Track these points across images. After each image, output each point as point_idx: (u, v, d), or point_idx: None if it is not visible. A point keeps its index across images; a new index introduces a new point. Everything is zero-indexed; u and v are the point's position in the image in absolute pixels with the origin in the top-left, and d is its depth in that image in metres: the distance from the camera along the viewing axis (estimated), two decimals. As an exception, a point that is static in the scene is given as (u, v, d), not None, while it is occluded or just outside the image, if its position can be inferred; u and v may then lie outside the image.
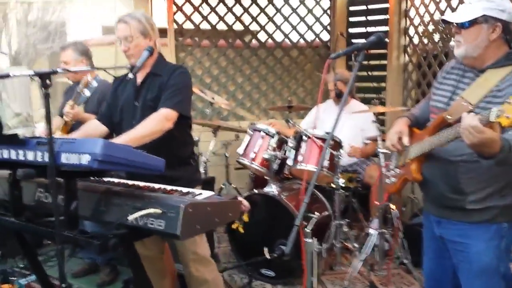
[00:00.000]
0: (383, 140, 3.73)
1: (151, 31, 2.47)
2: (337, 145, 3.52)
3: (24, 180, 2.03)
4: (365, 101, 4.37)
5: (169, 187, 2.08)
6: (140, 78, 2.52)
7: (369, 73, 5.21)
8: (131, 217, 1.77)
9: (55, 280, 3.21)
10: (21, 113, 1.74)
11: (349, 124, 3.98)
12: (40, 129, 3.70)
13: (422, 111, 2.18)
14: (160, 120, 2.34)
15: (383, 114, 4.73)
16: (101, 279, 3.53)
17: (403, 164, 2.12)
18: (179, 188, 2.05)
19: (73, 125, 3.31)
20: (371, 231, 3.37)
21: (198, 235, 2.60)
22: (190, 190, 2.03)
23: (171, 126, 2.37)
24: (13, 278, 3.36)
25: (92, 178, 2.18)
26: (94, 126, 2.65)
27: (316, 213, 3.32)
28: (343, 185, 3.57)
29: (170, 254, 2.91)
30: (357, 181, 3.95)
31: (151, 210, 1.75)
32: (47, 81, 1.75)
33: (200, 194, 1.98)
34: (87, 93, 3.22)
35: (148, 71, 2.50)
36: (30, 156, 1.86)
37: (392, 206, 3.49)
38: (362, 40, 5.14)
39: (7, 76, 1.65)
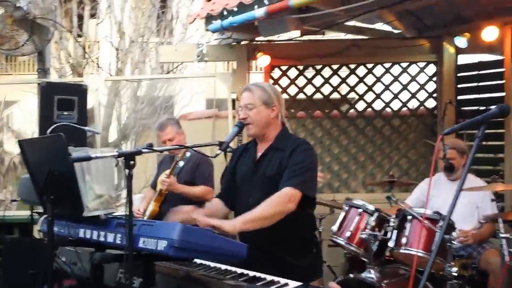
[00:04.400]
0: (505, 222, 3.24)
1: (276, 102, 2.34)
2: (449, 227, 3.10)
3: (106, 261, 1.99)
4: (480, 173, 3.91)
5: (252, 274, 1.89)
6: (260, 151, 2.39)
7: (484, 142, 4.71)
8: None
9: None
10: (103, 194, 1.73)
11: (463, 201, 3.51)
12: (137, 200, 3.78)
13: None
14: (282, 202, 2.17)
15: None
16: None
17: None
18: (263, 276, 1.86)
19: (166, 195, 3.34)
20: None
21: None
22: (276, 279, 1.81)
23: (293, 208, 2.17)
24: None
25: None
26: (215, 209, 2.50)
27: None
28: (456, 274, 3.09)
29: None
30: (473, 268, 3.42)
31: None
32: (131, 162, 1.72)
33: (287, 285, 1.76)
34: (180, 163, 3.27)
35: (270, 144, 2.36)
36: (110, 238, 1.83)
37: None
38: (473, 108, 4.84)
39: (89, 158, 1.63)
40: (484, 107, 4.62)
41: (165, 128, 3.47)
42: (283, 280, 1.80)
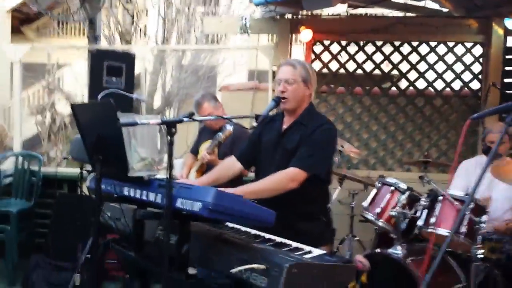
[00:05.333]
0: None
1: (313, 81, 2.46)
2: (480, 209, 3.11)
3: (147, 218, 2.16)
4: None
5: (279, 240, 2.02)
6: (286, 124, 2.51)
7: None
8: (234, 270, 1.75)
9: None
10: (147, 157, 1.89)
11: (503, 187, 3.49)
12: (178, 165, 3.95)
13: None
14: (284, 180, 2.31)
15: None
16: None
17: None
18: (289, 242, 1.99)
19: (207, 166, 3.48)
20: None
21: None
22: (300, 246, 1.94)
23: (295, 187, 2.31)
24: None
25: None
26: (228, 166, 2.66)
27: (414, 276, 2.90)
28: (482, 256, 3.11)
29: None
30: (501, 252, 3.42)
31: (255, 266, 1.72)
32: (172, 129, 1.85)
33: (310, 252, 1.88)
34: (221, 136, 3.34)
35: (295, 119, 2.47)
36: (151, 197, 1.99)
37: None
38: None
39: (135, 124, 1.78)
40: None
41: (201, 106, 3.54)
42: (307, 248, 1.93)
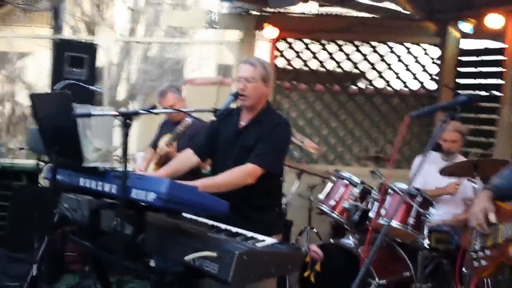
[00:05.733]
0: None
1: (271, 80, 2.55)
2: (427, 202, 3.29)
3: (103, 208, 2.19)
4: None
5: (235, 230, 2.10)
6: (244, 121, 2.57)
7: (478, 127, 4.86)
8: (187, 258, 1.81)
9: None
10: (101, 148, 1.92)
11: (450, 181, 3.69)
12: (139, 158, 3.98)
13: (507, 180, 1.96)
14: (242, 176, 2.39)
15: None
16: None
17: (494, 245, 1.91)
18: (244, 232, 2.07)
19: (166, 159, 3.51)
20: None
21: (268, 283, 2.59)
22: (255, 235, 2.02)
23: (251, 182, 2.40)
24: (96, 292, 3.61)
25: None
26: (185, 158, 2.70)
27: (378, 279, 3.06)
28: (427, 246, 3.29)
29: None
30: (450, 243, 3.61)
31: (207, 253, 1.78)
32: (128, 121, 1.90)
33: (263, 241, 1.97)
34: (180, 130, 3.38)
35: (253, 116, 2.54)
36: (106, 187, 2.03)
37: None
38: (472, 92, 4.93)
39: (90, 115, 1.82)
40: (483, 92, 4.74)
41: (165, 95, 3.59)
42: (260, 237, 2.01)
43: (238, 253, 1.70)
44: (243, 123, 2.57)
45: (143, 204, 1.91)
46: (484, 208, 1.94)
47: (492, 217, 1.90)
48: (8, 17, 12.36)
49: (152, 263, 2.01)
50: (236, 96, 2.50)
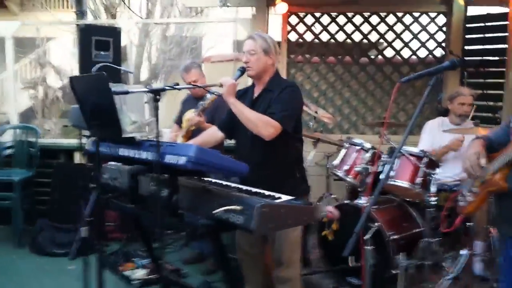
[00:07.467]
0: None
1: (274, 51, 2.76)
2: (433, 163, 3.53)
3: (140, 175, 2.51)
4: (482, 120, 4.25)
5: (254, 190, 2.39)
6: (256, 92, 2.83)
7: (485, 91, 5.01)
8: (216, 211, 2.12)
9: (168, 264, 3.77)
10: (137, 121, 2.19)
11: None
12: (166, 133, 4.29)
13: (498, 136, 2.18)
14: (266, 122, 2.60)
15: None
16: (207, 268, 3.99)
17: (483, 182, 2.13)
18: (262, 191, 2.35)
19: (193, 132, 3.79)
20: (461, 251, 3.33)
21: (290, 241, 2.87)
22: (272, 194, 2.31)
23: (270, 135, 2.60)
24: (134, 259, 3.99)
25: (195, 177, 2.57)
26: (211, 133, 3.00)
27: (377, 223, 3.29)
28: (435, 203, 3.54)
29: (271, 255, 3.20)
30: (456, 201, 3.85)
31: (232, 207, 2.08)
32: (157, 96, 2.20)
33: (279, 198, 2.26)
34: (206, 103, 3.54)
35: (264, 87, 2.79)
36: (143, 155, 2.34)
37: (492, 230, 3.39)
38: (478, 58, 5.06)
39: (127, 92, 2.12)
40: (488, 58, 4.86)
41: (189, 70, 3.89)
42: (277, 195, 2.30)
43: (259, 205, 1.99)
44: (256, 94, 2.83)
45: (175, 168, 2.21)
46: (477, 152, 2.08)
47: (483, 161, 2.06)
48: (28, 2, 12.71)
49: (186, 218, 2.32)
50: (242, 70, 2.75)
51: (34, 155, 4.83)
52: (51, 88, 8.84)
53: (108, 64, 3.50)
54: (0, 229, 4.69)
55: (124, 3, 9.32)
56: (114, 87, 2.25)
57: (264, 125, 2.60)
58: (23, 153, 4.87)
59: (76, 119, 3.57)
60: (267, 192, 2.32)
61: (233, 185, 2.51)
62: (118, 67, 3.81)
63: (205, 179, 2.68)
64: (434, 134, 4.14)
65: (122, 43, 4.90)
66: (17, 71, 10.40)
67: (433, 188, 3.51)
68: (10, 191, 4.52)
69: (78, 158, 4.91)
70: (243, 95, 2.90)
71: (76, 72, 4.83)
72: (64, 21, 9.17)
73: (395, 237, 3.41)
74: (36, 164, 4.83)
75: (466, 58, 5.06)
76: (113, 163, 2.65)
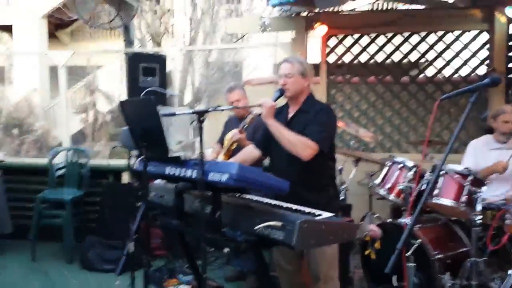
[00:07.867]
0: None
1: (309, 74, 2.88)
2: (478, 181, 3.46)
3: (185, 192, 2.61)
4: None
5: (295, 207, 2.44)
6: (291, 112, 2.93)
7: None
8: (257, 227, 2.17)
9: (211, 281, 3.84)
10: (182, 141, 2.31)
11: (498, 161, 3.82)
12: (208, 153, 4.42)
13: None
14: (304, 143, 2.67)
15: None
16: (249, 286, 4.02)
17: None
18: (302, 208, 2.40)
19: (233, 151, 3.89)
20: (510, 271, 3.21)
21: (327, 257, 2.91)
22: (312, 210, 2.35)
23: (308, 155, 2.68)
24: (178, 275, 4.09)
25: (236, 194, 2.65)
26: (249, 152, 3.11)
27: (419, 239, 3.22)
28: (480, 222, 3.44)
29: (308, 271, 3.22)
30: (503, 220, 3.74)
31: (273, 223, 2.13)
32: (201, 118, 2.31)
33: (320, 215, 2.30)
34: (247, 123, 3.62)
35: (299, 107, 2.89)
36: (188, 173, 2.44)
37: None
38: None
39: (173, 114, 2.25)
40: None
41: (233, 90, 4.01)
42: (317, 211, 2.35)
43: (299, 222, 2.03)
44: (290, 115, 2.92)
45: (218, 185, 2.29)
46: None
47: None
48: (78, 32, 13.46)
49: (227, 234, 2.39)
50: (282, 91, 2.86)
51: (85, 176, 5.06)
52: (100, 112, 9.29)
53: (155, 88, 3.68)
54: (52, 245, 4.90)
55: (168, 32, 9.75)
56: (161, 110, 2.39)
57: (302, 146, 2.67)
58: (74, 174, 5.11)
59: (125, 140, 3.76)
60: (307, 209, 2.36)
61: (273, 202, 2.56)
62: (163, 91, 3.99)
63: (245, 196, 2.76)
64: (477, 153, 4.06)
65: (167, 69, 5.12)
66: (69, 97, 11.03)
67: (478, 207, 3.43)
68: (62, 210, 4.75)
69: (126, 178, 5.10)
70: (277, 114, 2.97)
71: (124, 97, 5.07)
72: (113, 50, 9.65)
73: (440, 256, 3.35)
74: (87, 184, 5.05)
75: (510, 76, 4.95)
76: (158, 181, 2.76)
